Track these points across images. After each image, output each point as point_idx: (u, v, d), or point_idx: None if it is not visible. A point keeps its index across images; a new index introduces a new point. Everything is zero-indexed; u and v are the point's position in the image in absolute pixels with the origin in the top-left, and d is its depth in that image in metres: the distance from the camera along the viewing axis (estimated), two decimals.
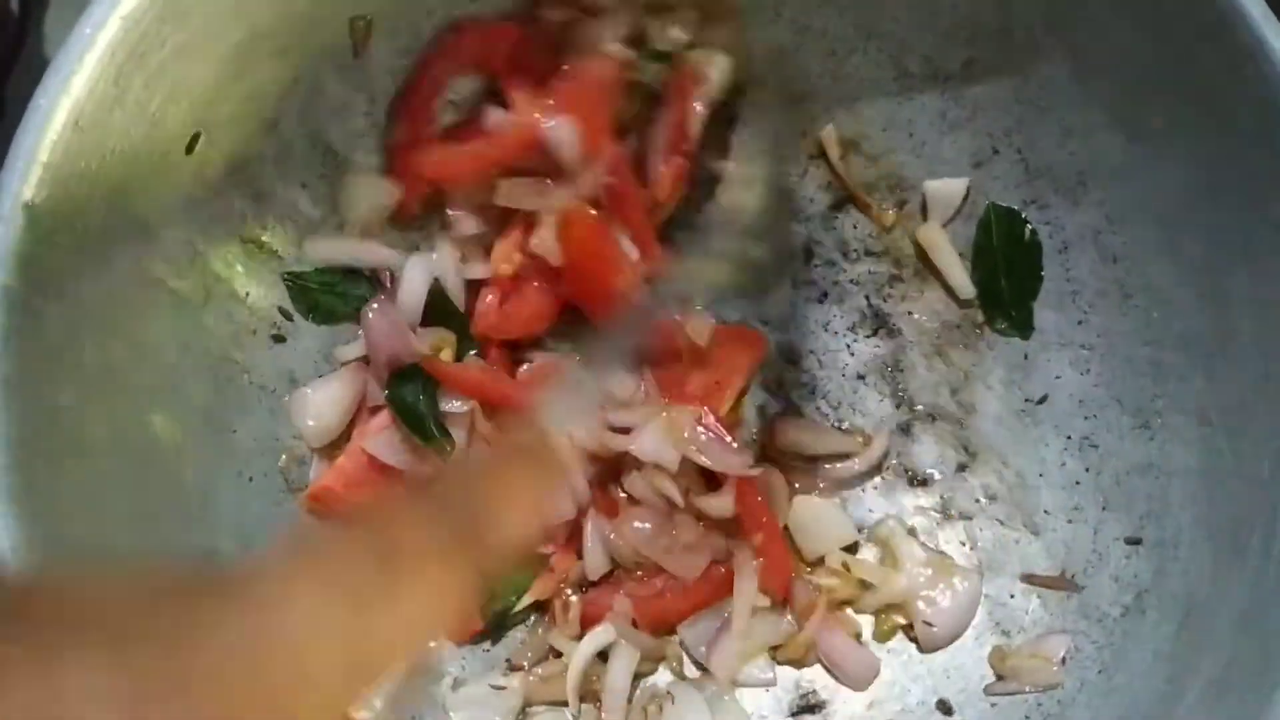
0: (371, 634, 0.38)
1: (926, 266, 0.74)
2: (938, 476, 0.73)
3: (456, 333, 0.71)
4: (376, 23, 0.68)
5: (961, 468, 0.73)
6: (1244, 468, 0.62)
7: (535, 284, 0.71)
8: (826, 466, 0.72)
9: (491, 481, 0.47)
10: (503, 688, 0.68)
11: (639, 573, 0.70)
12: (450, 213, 0.71)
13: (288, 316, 0.70)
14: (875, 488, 0.73)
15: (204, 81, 0.61)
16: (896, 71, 0.72)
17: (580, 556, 0.70)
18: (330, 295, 0.71)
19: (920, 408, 0.74)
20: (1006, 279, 0.73)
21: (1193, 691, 0.58)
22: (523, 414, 0.57)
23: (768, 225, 0.71)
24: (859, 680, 0.69)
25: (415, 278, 0.70)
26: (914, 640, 0.70)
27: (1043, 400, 0.72)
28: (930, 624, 0.68)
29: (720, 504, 0.68)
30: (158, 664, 0.32)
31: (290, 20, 0.64)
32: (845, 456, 0.72)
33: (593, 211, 0.69)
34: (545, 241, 0.68)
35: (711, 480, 0.69)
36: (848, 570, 0.70)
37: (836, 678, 0.70)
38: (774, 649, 0.70)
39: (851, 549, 0.72)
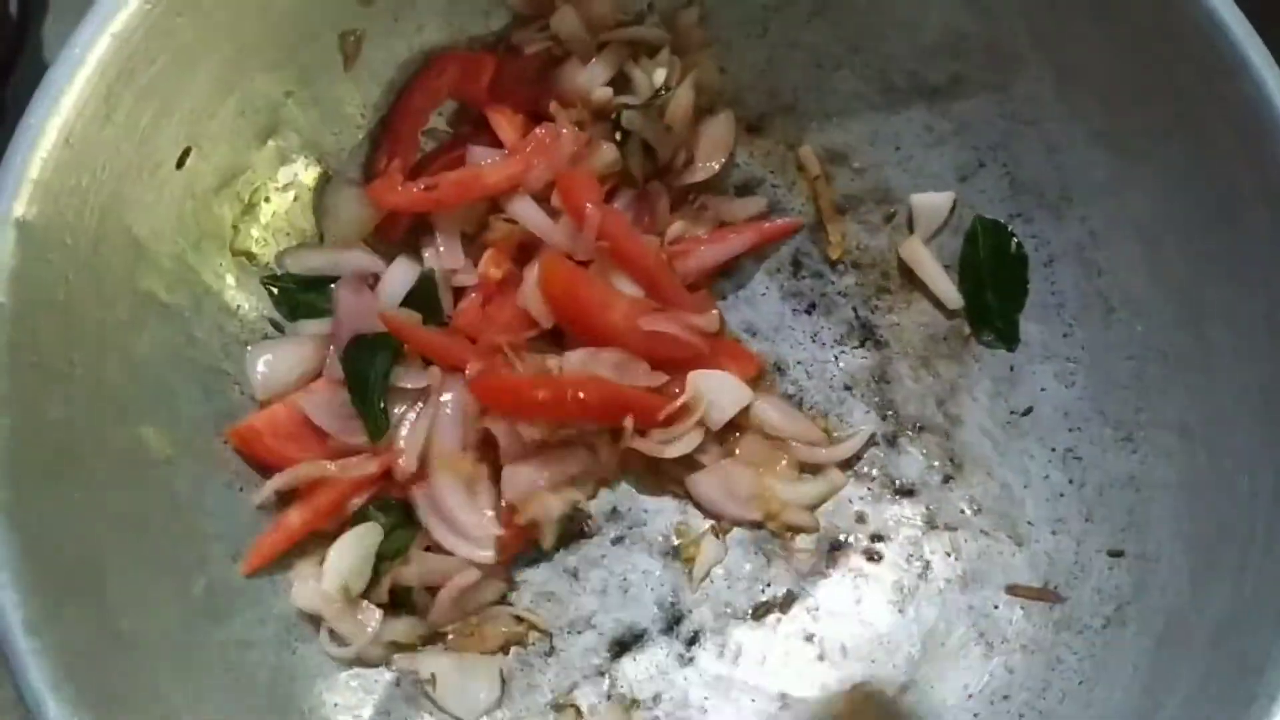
0: None
1: (911, 281, 0.75)
2: (923, 487, 0.73)
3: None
4: (366, 37, 0.68)
5: (947, 479, 0.73)
6: (1223, 482, 0.62)
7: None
8: (794, 445, 0.73)
9: None
10: None
11: None
12: (438, 237, 0.71)
13: (278, 327, 0.71)
14: (861, 498, 0.74)
15: (194, 97, 0.62)
16: (883, 86, 0.73)
17: None
18: (312, 294, 0.71)
19: (906, 419, 0.74)
20: (993, 291, 0.74)
21: (1171, 703, 0.59)
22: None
23: None
24: None
25: (397, 277, 0.71)
26: None
27: (1028, 412, 0.73)
28: None
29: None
30: None
31: (280, 36, 0.65)
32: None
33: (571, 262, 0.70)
34: (530, 298, 0.69)
35: None
36: None
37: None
38: None
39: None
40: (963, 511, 0.73)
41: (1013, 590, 0.70)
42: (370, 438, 0.68)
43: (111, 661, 0.56)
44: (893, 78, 0.72)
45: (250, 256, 0.69)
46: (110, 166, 0.58)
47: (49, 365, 0.57)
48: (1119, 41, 0.63)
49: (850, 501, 0.74)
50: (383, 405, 0.68)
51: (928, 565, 0.72)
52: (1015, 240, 0.73)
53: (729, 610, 0.72)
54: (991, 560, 0.71)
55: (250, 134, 0.67)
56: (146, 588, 0.60)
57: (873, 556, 0.72)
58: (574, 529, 0.72)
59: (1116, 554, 0.67)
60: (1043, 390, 0.72)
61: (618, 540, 0.72)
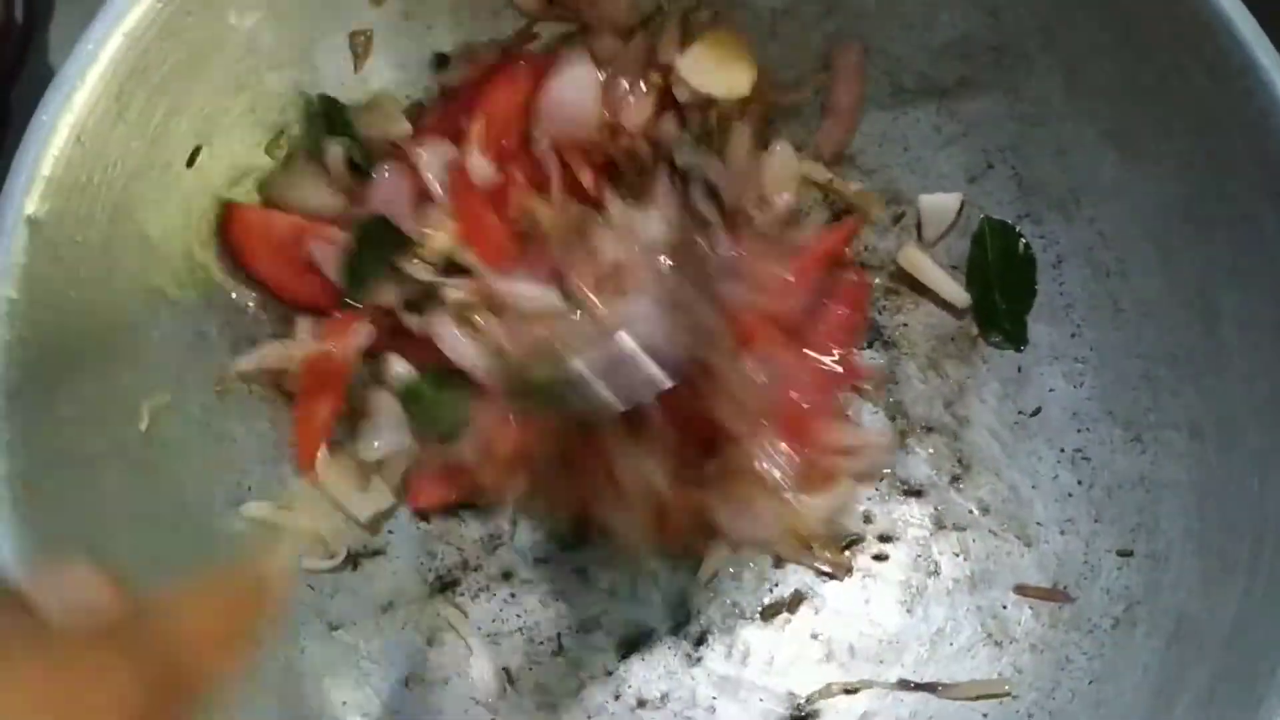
0: None
1: (914, 285, 0.75)
2: (931, 488, 0.73)
3: None
4: (376, 36, 0.69)
5: (955, 479, 0.73)
6: (1234, 481, 0.62)
7: None
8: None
9: (189, 623, 0.39)
10: None
11: None
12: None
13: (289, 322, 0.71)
14: (870, 499, 0.74)
15: (205, 96, 0.62)
16: (892, 87, 0.73)
17: None
18: None
19: (914, 420, 0.74)
20: (1000, 293, 0.74)
21: (1181, 704, 0.59)
22: None
23: None
24: None
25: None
26: None
27: (1036, 413, 0.72)
28: None
29: None
30: None
31: (290, 35, 0.65)
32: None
33: None
34: None
35: None
36: None
37: None
38: None
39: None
40: (971, 512, 0.73)
41: (1021, 590, 0.70)
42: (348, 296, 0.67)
43: None
44: (901, 79, 0.73)
45: None
46: (121, 164, 0.59)
47: (58, 362, 0.57)
48: (1129, 44, 0.63)
49: (858, 502, 0.74)
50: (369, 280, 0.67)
51: (936, 566, 0.72)
52: (1023, 241, 0.73)
53: (736, 610, 0.72)
54: (1000, 561, 0.71)
55: (261, 132, 0.67)
56: (155, 585, 0.59)
57: (880, 557, 0.72)
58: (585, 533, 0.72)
59: (1126, 554, 0.67)
60: (1051, 391, 0.72)
61: None
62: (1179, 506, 0.65)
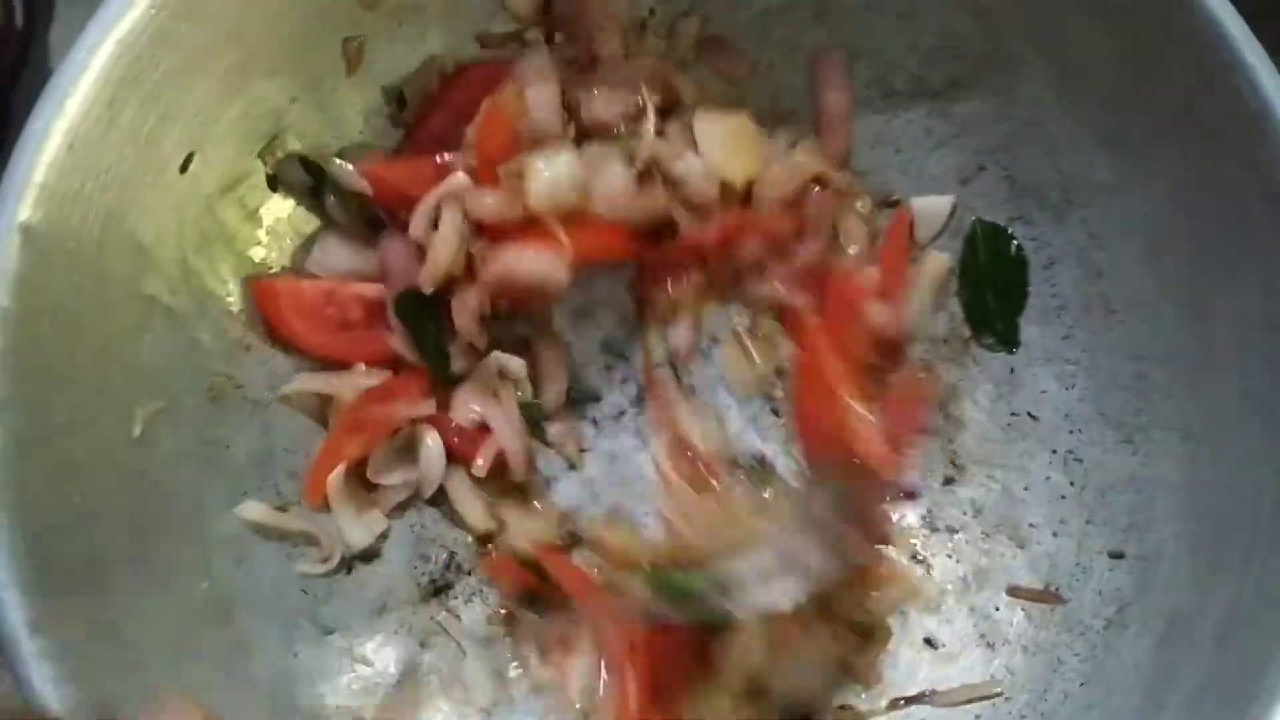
0: None
1: None
2: (925, 490, 0.73)
3: None
4: (369, 42, 0.69)
5: (949, 481, 0.73)
6: (1225, 483, 0.62)
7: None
8: None
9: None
10: None
11: None
12: None
13: None
14: None
15: (198, 102, 0.62)
16: (884, 89, 0.73)
17: None
18: None
19: None
20: (993, 294, 0.74)
21: (1171, 705, 0.59)
22: None
23: None
24: None
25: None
26: None
27: (1029, 415, 0.73)
28: None
29: None
30: None
31: (283, 41, 0.65)
32: None
33: None
34: None
35: None
36: None
37: None
38: None
39: None
40: (964, 513, 0.73)
41: (1014, 592, 0.70)
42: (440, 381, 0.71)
43: (113, 664, 0.56)
44: (893, 81, 0.73)
45: (254, 260, 0.70)
46: (114, 171, 0.59)
47: (52, 368, 0.57)
48: (1119, 45, 0.63)
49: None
50: (444, 354, 0.70)
51: (929, 567, 0.72)
52: (1015, 243, 0.73)
53: None
54: (993, 562, 0.71)
55: (253, 139, 0.67)
56: (148, 590, 0.60)
57: None
58: None
59: (1118, 555, 0.67)
60: (1043, 392, 0.72)
61: None
62: (1171, 507, 0.65)
